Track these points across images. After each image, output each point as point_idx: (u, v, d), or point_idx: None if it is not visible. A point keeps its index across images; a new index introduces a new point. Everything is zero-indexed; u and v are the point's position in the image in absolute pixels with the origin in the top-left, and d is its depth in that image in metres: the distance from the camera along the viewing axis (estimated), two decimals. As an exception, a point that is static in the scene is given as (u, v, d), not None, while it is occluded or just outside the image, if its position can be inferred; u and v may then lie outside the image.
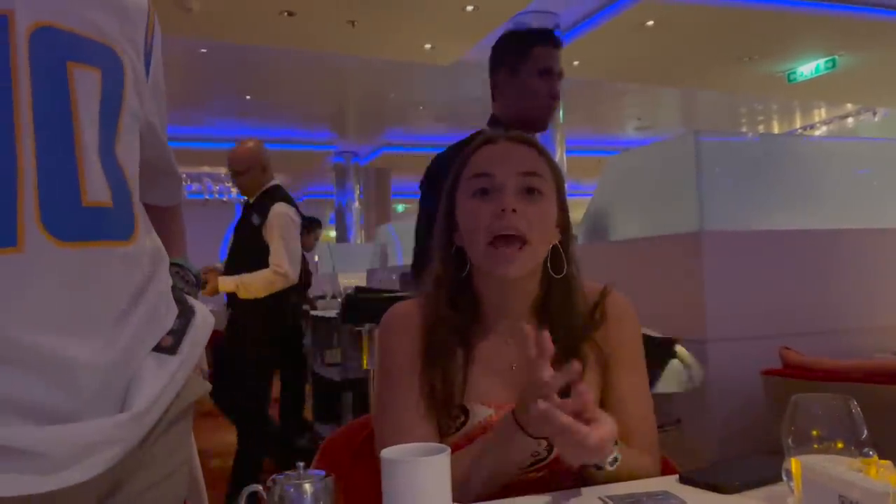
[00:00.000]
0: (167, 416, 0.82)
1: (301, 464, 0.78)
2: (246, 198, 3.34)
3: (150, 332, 0.79)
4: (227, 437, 4.19)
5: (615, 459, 0.94)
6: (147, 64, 0.84)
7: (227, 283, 3.21)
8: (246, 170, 3.24)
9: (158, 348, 0.80)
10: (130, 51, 0.79)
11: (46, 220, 0.67)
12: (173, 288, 0.88)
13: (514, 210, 1.02)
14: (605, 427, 0.88)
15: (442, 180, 1.16)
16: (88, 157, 0.71)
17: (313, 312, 5.06)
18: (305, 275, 5.86)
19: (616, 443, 0.93)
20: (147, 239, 0.81)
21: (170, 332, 0.82)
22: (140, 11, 0.83)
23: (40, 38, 0.68)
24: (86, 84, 0.72)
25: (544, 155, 1.11)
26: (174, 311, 0.85)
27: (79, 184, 0.70)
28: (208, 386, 0.93)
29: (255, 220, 3.22)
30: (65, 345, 0.68)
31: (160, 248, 0.86)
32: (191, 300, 0.91)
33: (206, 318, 0.90)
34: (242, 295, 3.17)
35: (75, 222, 0.70)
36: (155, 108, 0.88)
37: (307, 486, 0.75)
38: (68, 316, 0.69)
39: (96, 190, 0.72)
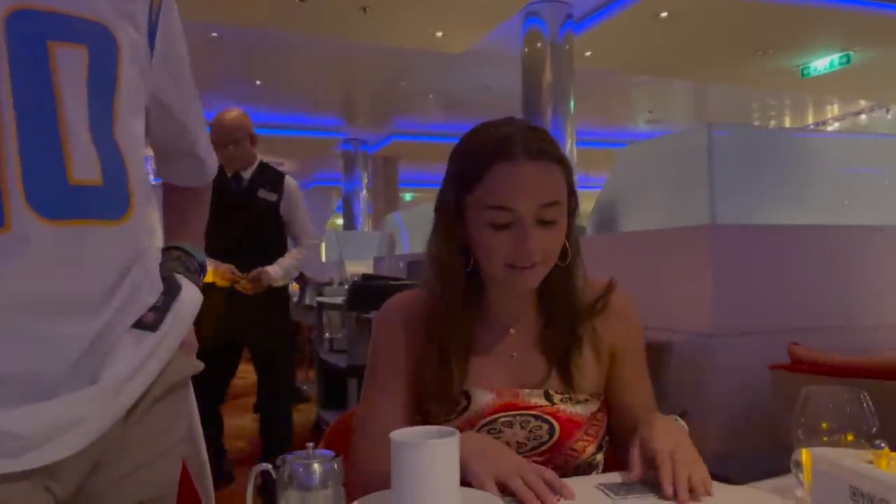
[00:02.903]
0: (150, 395, 0.81)
1: (311, 444, 0.78)
2: (229, 172, 3.06)
3: (131, 308, 0.78)
4: (248, 421, 4.33)
5: None
6: (151, 38, 0.82)
7: (277, 274, 3.00)
8: (241, 139, 3.04)
9: (139, 324, 0.79)
10: (127, 25, 0.77)
11: (32, 199, 0.67)
12: (162, 266, 0.87)
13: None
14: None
15: None
16: (74, 136, 0.71)
17: (319, 299, 5.08)
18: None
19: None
20: (143, 218, 0.80)
21: (152, 309, 0.81)
22: None
23: (17, 21, 0.68)
24: (70, 62, 0.71)
25: (561, 164, 1.02)
26: (158, 287, 0.84)
27: (64, 162, 0.70)
28: (199, 365, 0.92)
29: (269, 195, 3.06)
30: (48, 323, 0.69)
31: (155, 227, 0.86)
32: (180, 278, 0.89)
33: (193, 295, 0.89)
34: (283, 282, 3.08)
35: (62, 201, 0.70)
36: (168, 84, 0.86)
37: (316, 466, 0.75)
38: (54, 294, 0.69)
39: (84, 168, 0.71)
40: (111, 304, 0.74)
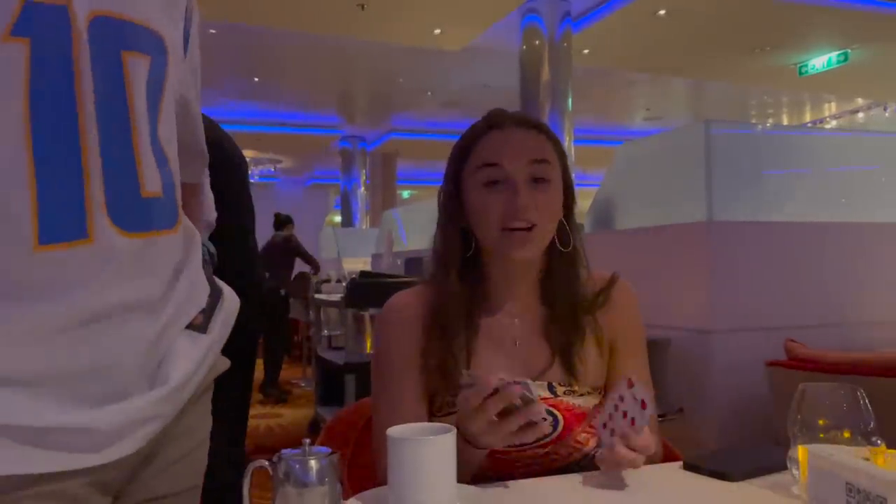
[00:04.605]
0: (196, 392, 0.84)
1: (307, 440, 0.78)
2: None
3: (187, 309, 0.81)
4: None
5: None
6: (185, 43, 0.85)
7: None
8: None
9: (191, 326, 0.82)
10: (174, 33, 0.79)
11: (112, 212, 0.69)
12: (203, 268, 0.90)
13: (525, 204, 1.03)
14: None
15: None
16: (143, 148, 0.73)
17: (318, 296, 5.09)
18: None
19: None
20: (186, 222, 0.83)
21: (201, 311, 0.84)
22: None
23: (98, 27, 0.69)
24: (137, 72, 0.72)
25: (550, 136, 1.10)
26: (206, 289, 0.87)
27: (137, 175, 0.72)
28: (227, 362, 0.95)
29: None
30: (119, 327, 0.71)
31: (192, 227, 0.88)
32: (218, 281, 0.93)
33: (232, 298, 0.92)
34: None
35: (136, 214, 0.72)
36: (191, 84, 0.89)
37: (312, 463, 0.75)
38: (125, 300, 0.72)
39: (151, 181, 0.74)
40: (168, 307, 0.77)
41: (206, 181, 1.12)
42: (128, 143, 0.71)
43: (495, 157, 1.05)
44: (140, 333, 0.73)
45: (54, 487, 0.68)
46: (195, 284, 0.84)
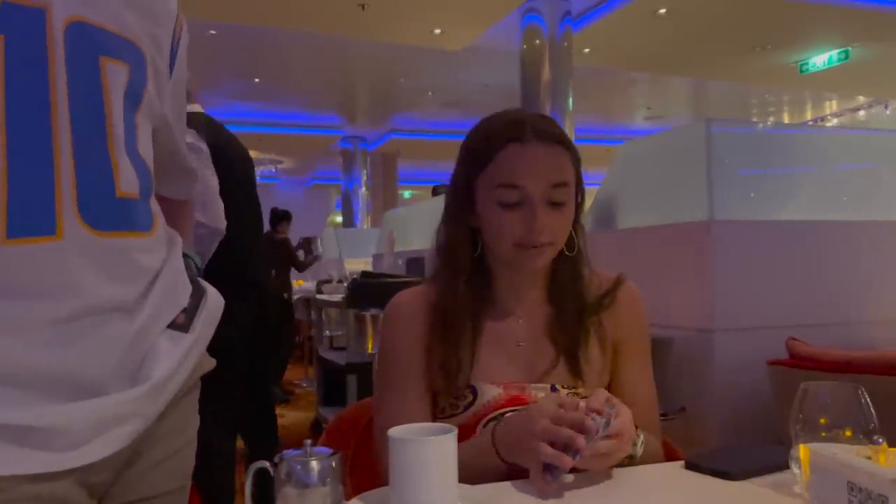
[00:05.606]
0: (180, 390, 0.85)
1: (308, 441, 0.78)
2: None
3: (167, 309, 0.82)
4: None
5: (642, 443, 0.96)
6: (171, 63, 0.86)
7: None
8: None
9: (173, 325, 0.82)
10: (152, 48, 0.81)
11: (83, 210, 0.70)
12: (186, 268, 0.91)
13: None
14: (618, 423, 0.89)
15: None
16: (119, 150, 0.74)
17: (319, 296, 5.09)
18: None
19: (636, 427, 0.95)
20: (162, 227, 0.84)
21: (183, 311, 0.85)
22: (169, 14, 0.86)
23: (74, 32, 0.70)
24: (116, 78, 0.74)
25: (570, 149, 1.07)
26: (188, 289, 0.87)
27: (113, 175, 0.73)
28: (213, 362, 0.95)
29: None
30: (95, 327, 0.71)
31: (172, 231, 0.89)
32: (202, 282, 0.93)
33: (216, 298, 0.92)
34: None
35: (110, 213, 0.73)
36: (173, 106, 0.90)
37: (314, 464, 0.75)
38: (101, 300, 0.72)
39: (128, 181, 0.75)
40: (146, 307, 0.78)
41: (216, 190, 1.12)
42: (103, 144, 0.72)
43: (516, 179, 1.02)
44: (117, 333, 0.73)
45: (41, 489, 0.68)
46: (175, 285, 0.84)
